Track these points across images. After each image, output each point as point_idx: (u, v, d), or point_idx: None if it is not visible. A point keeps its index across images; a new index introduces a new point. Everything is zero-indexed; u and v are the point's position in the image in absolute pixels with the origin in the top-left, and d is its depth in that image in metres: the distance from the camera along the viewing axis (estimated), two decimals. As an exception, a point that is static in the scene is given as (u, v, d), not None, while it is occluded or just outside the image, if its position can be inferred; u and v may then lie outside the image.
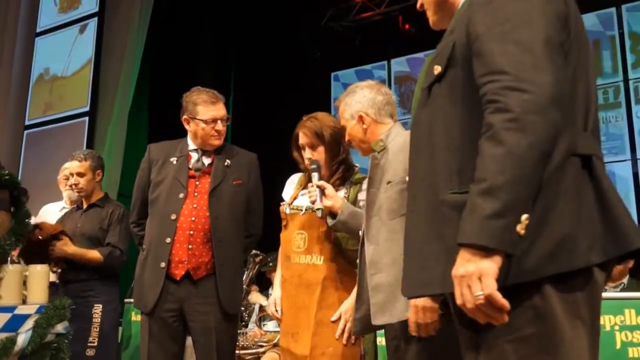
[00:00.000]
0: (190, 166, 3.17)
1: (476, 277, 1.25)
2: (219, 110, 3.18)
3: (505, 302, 1.25)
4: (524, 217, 1.25)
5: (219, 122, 3.16)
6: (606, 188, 1.38)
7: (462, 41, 1.46)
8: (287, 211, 2.89)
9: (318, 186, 2.68)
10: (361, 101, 2.59)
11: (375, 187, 2.50)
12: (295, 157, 2.99)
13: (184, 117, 3.20)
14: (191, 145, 3.23)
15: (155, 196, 3.15)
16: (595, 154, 1.41)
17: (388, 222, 2.40)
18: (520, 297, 1.32)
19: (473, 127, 1.39)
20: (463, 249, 1.28)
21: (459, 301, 1.30)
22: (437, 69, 1.52)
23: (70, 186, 4.05)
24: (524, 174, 1.26)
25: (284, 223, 2.93)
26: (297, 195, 2.94)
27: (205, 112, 3.14)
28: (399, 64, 8.87)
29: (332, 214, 2.65)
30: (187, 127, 3.21)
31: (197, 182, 3.13)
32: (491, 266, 1.25)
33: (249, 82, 8.87)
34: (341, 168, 2.87)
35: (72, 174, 4.04)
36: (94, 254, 3.84)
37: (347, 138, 2.66)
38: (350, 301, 2.70)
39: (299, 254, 2.82)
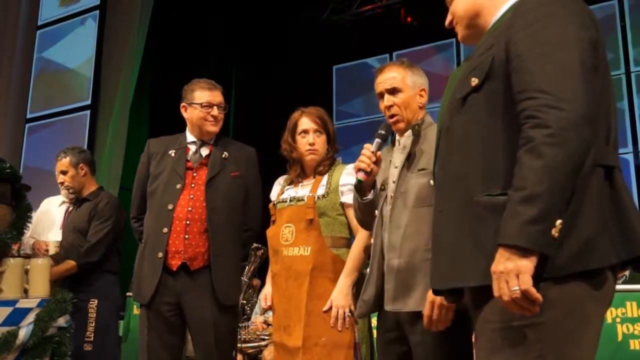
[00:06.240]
0: (188, 158, 3.19)
1: (514, 274, 1.41)
2: (216, 96, 3.21)
3: (539, 296, 1.41)
4: (558, 222, 1.41)
5: (215, 107, 3.19)
6: (624, 198, 1.54)
7: (501, 57, 1.59)
8: (276, 207, 2.95)
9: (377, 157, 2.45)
10: (425, 79, 2.55)
11: (401, 167, 2.43)
12: (287, 144, 3.00)
13: (182, 104, 3.24)
14: (189, 137, 3.24)
15: (153, 188, 3.16)
16: (617, 165, 1.56)
17: (414, 209, 2.35)
18: (548, 291, 1.46)
19: (509, 136, 1.54)
20: (503, 248, 1.43)
21: (496, 294, 1.45)
22: (475, 81, 1.64)
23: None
24: (560, 184, 1.41)
25: (272, 219, 2.98)
26: (283, 191, 3.00)
27: (202, 96, 3.18)
28: (401, 57, 8.84)
29: (361, 190, 2.50)
30: (184, 115, 3.24)
31: (195, 174, 3.15)
32: (528, 265, 1.41)
33: (251, 75, 8.86)
34: (329, 161, 2.96)
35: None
36: (67, 265, 3.77)
37: (398, 102, 2.49)
38: (339, 289, 2.72)
39: (287, 246, 2.85)
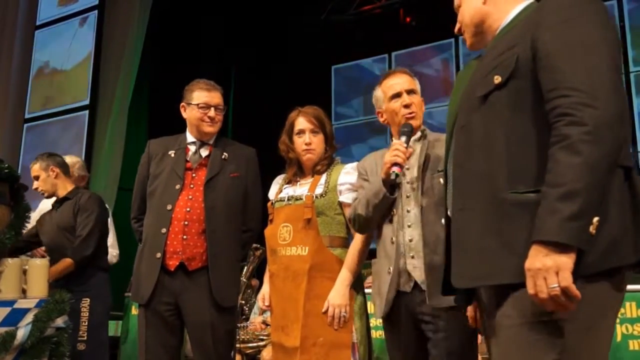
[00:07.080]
0: (188, 158, 3.19)
1: (553, 271, 1.41)
2: (214, 97, 3.22)
3: (578, 293, 1.41)
4: (596, 219, 1.42)
5: (212, 109, 3.19)
6: None
7: (526, 56, 1.60)
8: (274, 206, 2.95)
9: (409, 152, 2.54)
10: None
11: (417, 169, 2.55)
12: (284, 145, 3.01)
13: (182, 104, 3.24)
14: (189, 138, 3.25)
15: (152, 189, 3.16)
16: (633, 166, 1.58)
17: (440, 208, 2.41)
18: (582, 289, 1.45)
19: (536, 134, 1.56)
20: (539, 245, 1.44)
21: (531, 291, 1.44)
22: (498, 79, 1.65)
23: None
24: (597, 181, 1.43)
25: (270, 218, 2.98)
26: (281, 190, 3.00)
27: (200, 97, 3.19)
28: (399, 57, 8.85)
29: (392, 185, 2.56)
30: (184, 115, 3.25)
31: (194, 175, 3.15)
32: (568, 261, 1.41)
33: (250, 76, 8.86)
34: (327, 160, 2.96)
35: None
36: (65, 263, 3.81)
37: (416, 102, 2.65)
38: (337, 288, 2.72)
39: (285, 246, 2.84)
